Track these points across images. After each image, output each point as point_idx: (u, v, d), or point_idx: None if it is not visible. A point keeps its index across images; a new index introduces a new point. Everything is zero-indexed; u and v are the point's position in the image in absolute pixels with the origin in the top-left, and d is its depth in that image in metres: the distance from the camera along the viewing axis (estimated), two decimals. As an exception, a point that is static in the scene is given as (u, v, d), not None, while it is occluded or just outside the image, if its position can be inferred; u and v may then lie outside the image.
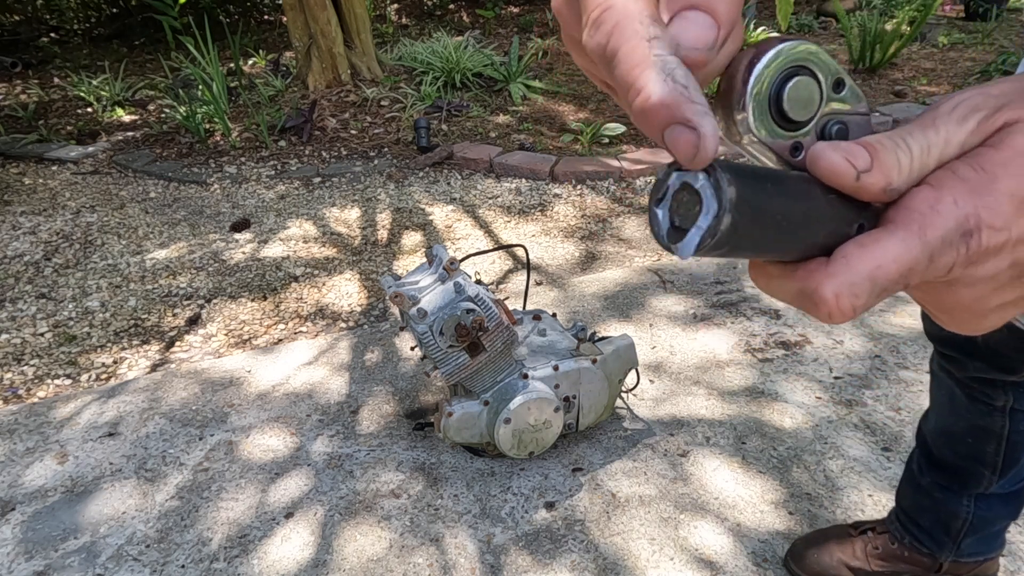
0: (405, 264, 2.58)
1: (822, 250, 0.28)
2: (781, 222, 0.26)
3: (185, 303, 2.36)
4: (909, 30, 4.47)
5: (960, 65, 4.49)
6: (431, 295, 1.34)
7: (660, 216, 0.27)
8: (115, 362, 2.06)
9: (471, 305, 1.33)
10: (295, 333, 2.16)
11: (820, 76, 0.28)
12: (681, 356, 1.89)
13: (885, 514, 1.34)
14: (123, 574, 1.30)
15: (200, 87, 4.09)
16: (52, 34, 6.69)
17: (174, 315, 2.29)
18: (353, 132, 3.85)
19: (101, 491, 1.50)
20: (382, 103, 4.09)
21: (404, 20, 6.42)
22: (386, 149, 3.66)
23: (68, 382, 1.97)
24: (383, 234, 2.82)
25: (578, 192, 3.14)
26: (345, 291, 2.40)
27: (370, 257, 2.64)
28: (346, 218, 2.98)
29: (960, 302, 0.29)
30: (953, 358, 1.04)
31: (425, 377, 1.82)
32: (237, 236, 2.85)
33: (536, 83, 4.34)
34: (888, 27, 4.67)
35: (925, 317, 1.06)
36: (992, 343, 0.97)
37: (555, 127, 3.82)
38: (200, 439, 1.65)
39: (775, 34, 0.39)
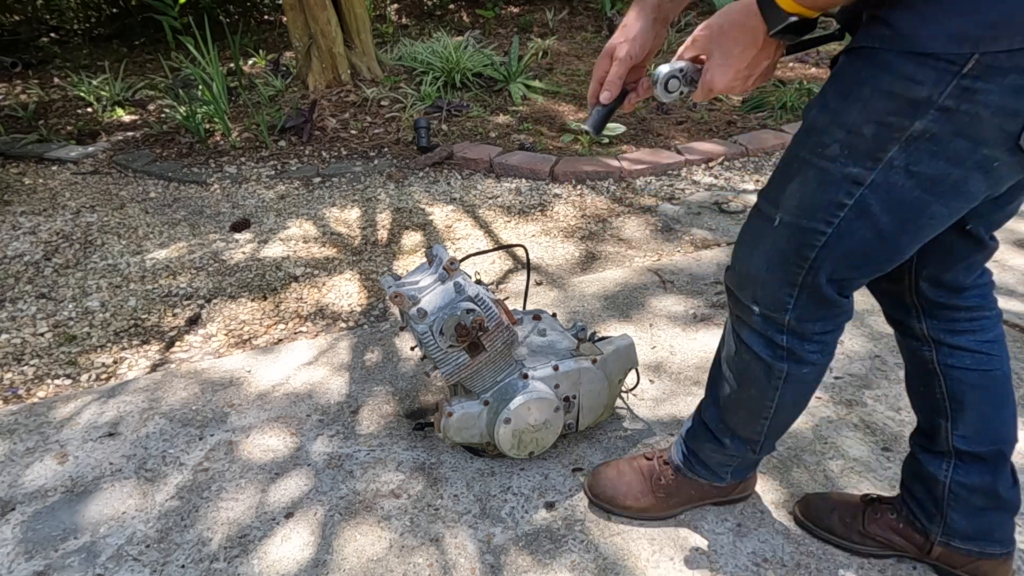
0: (405, 264, 2.58)
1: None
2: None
3: (185, 303, 2.36)
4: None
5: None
6: (431, 295, 1.34)
7: (663, 80, 0.92)
8: (115, 362, 2.06)
9: (471, 305, 1.33)
10: (295, 333, 2.16)
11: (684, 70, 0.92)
12: (681, 356, 1.89)
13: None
14: (123, 574, 1.30)
15: (200, 87, 4.10)
16: (52, 34, 6.69)
17: (174, 315, 2.29)
18: (353, 132, 3.85)
19: (101, 491, 1.50)
20: (382, 103, 4.09)
21: (404, 20, 6.42)
22: (386, 149, 3.66)
23: (68, 382, 1.97)
24: (383, 234, 2.82)
25: (578, 192, 3.14)
26: (345, 291, 2.40)
27: (370, 257, 2.64)
28: (346, 218, 2.98)
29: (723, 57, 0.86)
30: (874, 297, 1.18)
31: (425, 377, 1.82)
32: (237, 236, 2.85)
33: (536, 83, 4.34)
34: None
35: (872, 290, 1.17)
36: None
37: (555, 127, 3.82)
38: (200, 439, 1.65)
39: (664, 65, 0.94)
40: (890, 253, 0.91)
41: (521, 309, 1.70)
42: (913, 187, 0.82)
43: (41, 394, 1.92)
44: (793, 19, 0.78)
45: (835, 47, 4.35)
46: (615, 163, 3.28)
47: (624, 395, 1.71)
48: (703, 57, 0.89)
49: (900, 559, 1.26)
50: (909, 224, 0.86)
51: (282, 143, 3.76)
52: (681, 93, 0.91)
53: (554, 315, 1.68)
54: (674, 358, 1.88)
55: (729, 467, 1.27)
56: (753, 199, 2.94)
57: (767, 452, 1.25)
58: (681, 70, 0.90)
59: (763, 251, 0.97)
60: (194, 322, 2.25)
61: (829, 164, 0.85)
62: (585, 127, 1.03)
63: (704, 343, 1.94)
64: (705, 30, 0.87)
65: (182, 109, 4.00)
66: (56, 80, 5.16)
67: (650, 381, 1.79)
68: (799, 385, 1.08)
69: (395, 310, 2.23)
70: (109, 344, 2.15)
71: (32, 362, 2.07)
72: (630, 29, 0.96)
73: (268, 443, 1.63)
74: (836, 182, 0.86)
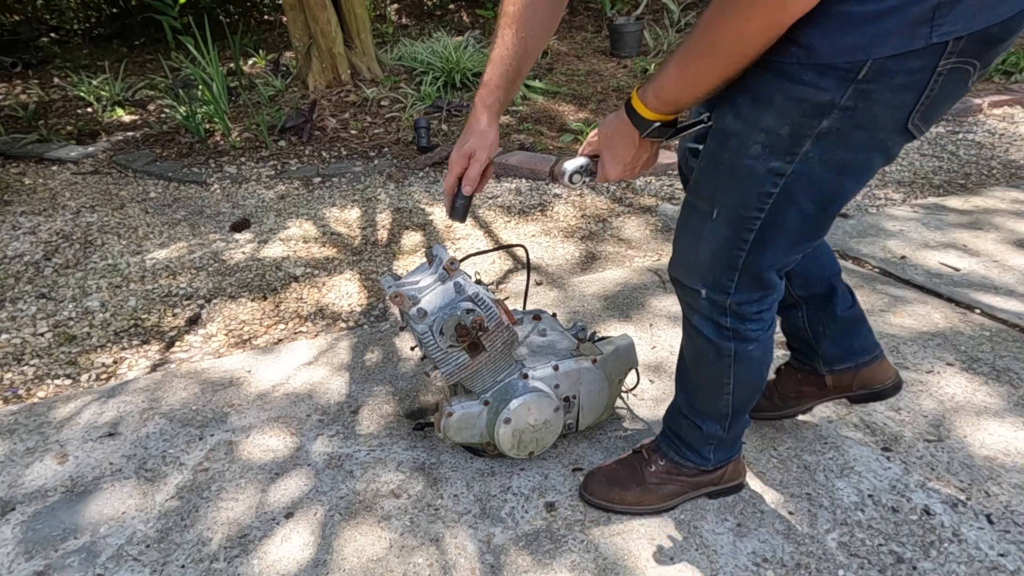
0: (405, 264, 2.58)
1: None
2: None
3: (185, 303, 2.36)
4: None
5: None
6: (431, 295, 1.34)
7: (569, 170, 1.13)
8: (115, 362, 2.06)
9: (471, 305, 1.33)
10: (295, 333, 2.16)
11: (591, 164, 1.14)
12: (681, 356, 1.89)
13: (882, 514, 1.35)
14: (123, 574, 1.30)
15: (200, 87, 4.10)
16: (52, 34, 6.69)
17: (174, 315, 2.29)
18: (353, 132, 3.85)
19: (101, 491, 1.50)
20: (382, 103, 4.09)
21: (404, 20, 6.42)
22: (386, 149, 3.66)
23: (68, 382, 1.97)
24: (383, 234, 2.82)
25: (578, 192, 3.14)
26: (345, 291, 2.40)
27: (370, 257, 2.64)
28: (346, 218, 2.98)
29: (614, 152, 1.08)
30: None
31: (425, 377, 1.82)
32: (237, 236, 2.85)
33: (536, 83, 4.35)
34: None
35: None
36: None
37: (555, 127, 3.82)
38: (200, 439, 1.65)
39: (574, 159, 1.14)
40: (814, 228, 1.06)
41: (521, 309, 1.70)
42: (827, 172, 0.96)
43: (41, 394, 1.92)
44: (656, 124, 0.98)
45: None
46: (615, 163, 3.28)
47: (624, 395, 1.71)
48: (598, 153, 1.12)
49: (899, 560, 1.26)
50: (827, 202, 1.01)
51: (282, 143, 3.76)
52: (583, 183, 1.14)
53: (554, 315, 1.68)
54: (674, 358, 1.87)
55: (711, 446, 1.34)
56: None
57: (738, 430, 1.33)
58: (583, 166, 1.13)
59: (707, 241, 1.10)
60: (194, 322, 2.25)
61: (753, 162, 0.97)
62: (455, 220, 1.26)
63: (704, 343, 1.93)
64: (596, 136, 1.10)
65: (182, 109, 4.00)
66: (56, 80, 5.16)
67: (650, 381, 1.79)
68: (748, 362, 1.20)
69: (395, 310, 2.23)
70: (109, 344, 2.15)
71: (32, 362, 2.07)
72: (486, 137, 1.18)
73: (268, 443, 1.63)
74: (762, 176, 0.98)
